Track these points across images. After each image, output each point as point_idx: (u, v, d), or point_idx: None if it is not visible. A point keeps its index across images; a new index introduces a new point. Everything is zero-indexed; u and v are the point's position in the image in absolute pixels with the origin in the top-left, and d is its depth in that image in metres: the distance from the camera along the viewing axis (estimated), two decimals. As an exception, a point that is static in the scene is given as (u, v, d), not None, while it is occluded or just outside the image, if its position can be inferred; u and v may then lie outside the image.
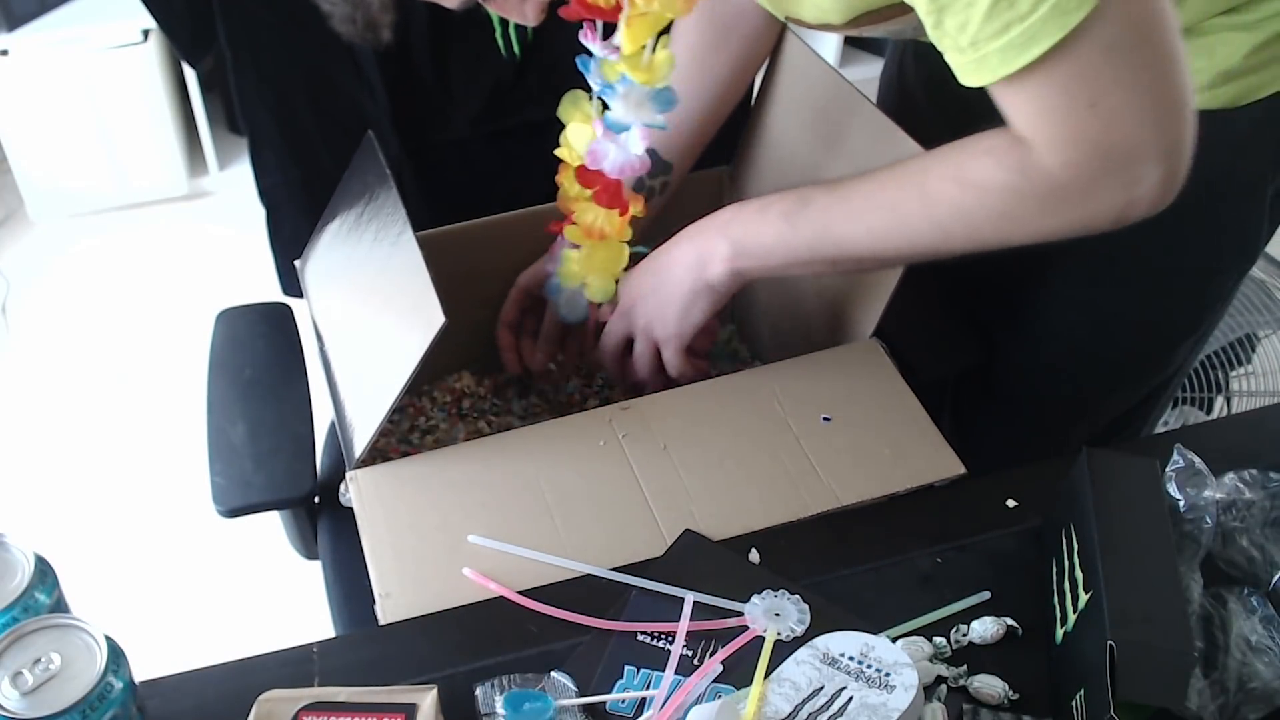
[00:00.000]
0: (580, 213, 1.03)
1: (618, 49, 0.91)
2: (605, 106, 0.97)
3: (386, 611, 0.84)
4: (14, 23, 2.30)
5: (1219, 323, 1.18)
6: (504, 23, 1.20)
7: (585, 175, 1.00)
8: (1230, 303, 1.18)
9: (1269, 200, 1.05)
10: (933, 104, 1.12)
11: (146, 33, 2.37)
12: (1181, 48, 0.76)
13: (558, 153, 1.03)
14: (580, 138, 1.00)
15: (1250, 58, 0.94)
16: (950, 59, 0.78)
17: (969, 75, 0.77)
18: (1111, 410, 1.20)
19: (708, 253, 0.95)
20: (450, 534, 0.88)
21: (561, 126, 1.02)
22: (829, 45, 2.73)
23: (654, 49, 0.92)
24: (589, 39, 0.92)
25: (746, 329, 1.28)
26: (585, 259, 1.05)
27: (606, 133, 0.97)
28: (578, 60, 0.94)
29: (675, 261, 0.98)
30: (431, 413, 1.20)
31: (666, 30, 0.91)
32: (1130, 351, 1.14)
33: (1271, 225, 1.09)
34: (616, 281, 1.05)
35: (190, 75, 2.42)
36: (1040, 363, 1.16)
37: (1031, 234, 0.85)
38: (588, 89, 0.97)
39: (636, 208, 1.01)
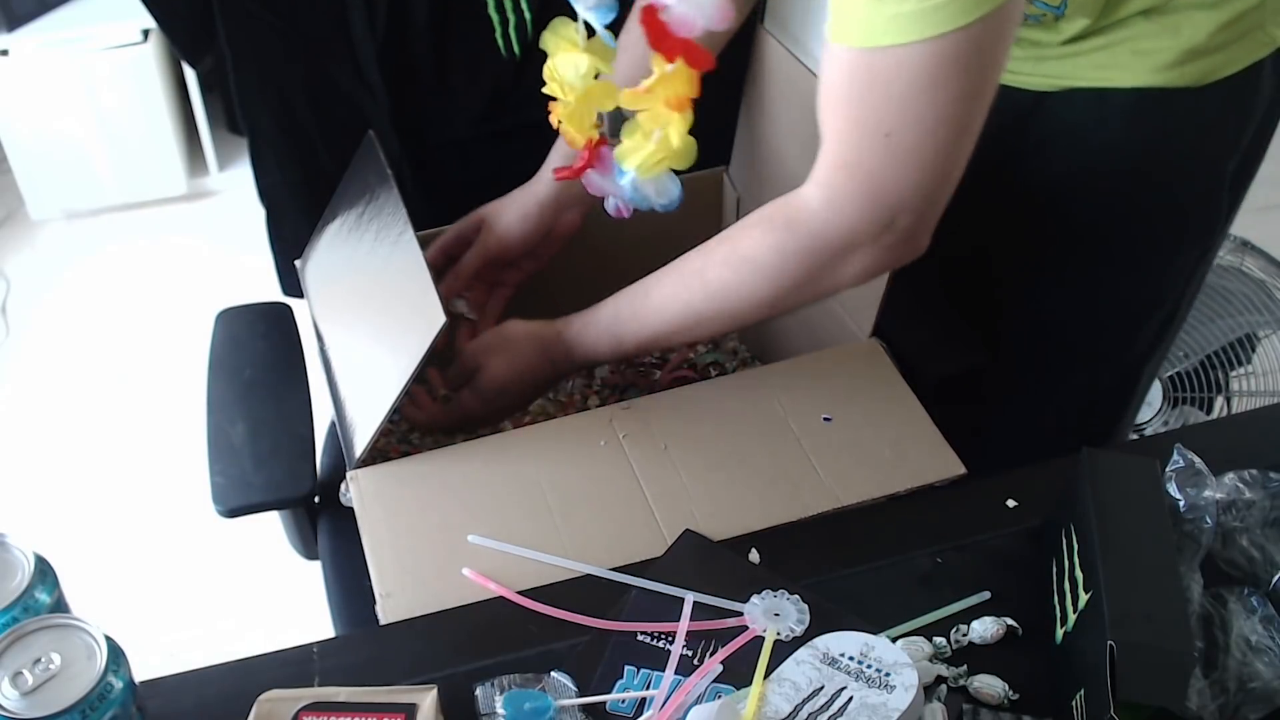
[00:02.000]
0: (650, 92, 0.94)
1: None
2: (591, 32, 0.93)
3: (387, 611, 0.84)
4: (14, 23, 2.30)
5: (1190, 306, 1.19)
6: (504, 23, 1.20)
7: (669, 44, 0.91)
8: (1198, 285, 1.19)
9: (1228, 178, 1.06)
10: None
11: (146, 33, 2.37)
12: (983, 117, 0.78)
13: (547, 89, 0.98)
14: (570, 67, 0.96)
15: (1215, 36, 0.95)
16: (844, 9, 0.76)
17: (856, 31, 0.76)
18: (1086, 391, 1.21)
19: (559, 366, 1.03)
20: (450, 534, 0.88)
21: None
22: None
23: None
24: None
25: (746, 329, 1.28)
26: (662, 140, 0.95)
27: None
28: None
29: (530, 347, 1.03)
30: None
31: None
32: (1097, 330, 1.15)
33: (1231, 203, 1.10)
34: (597, 119, 1.00)
35: (190, 75, 2.42)
36: (1026, 350, 1.17)
37: (803, 292, 0.90)
38: (571, 15, 0.93)
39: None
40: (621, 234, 1.15)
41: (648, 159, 0.96)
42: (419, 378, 1.16)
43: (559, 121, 1.00)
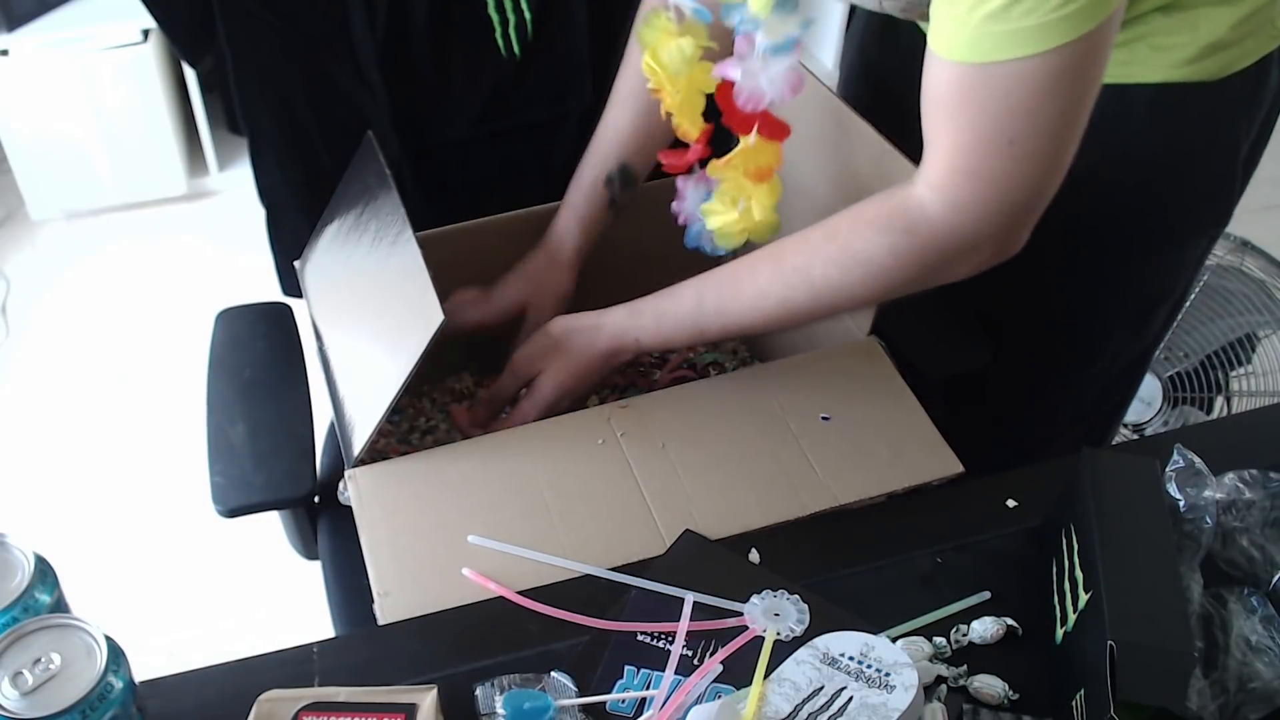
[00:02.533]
0: (731, 164, 0.98)
1: None
2: (681, 16, 0.94)
3: (385, 611, 0.84)
4: (14, 23, 2.30)
5: (1192, 293, 1.20)
6: (504, 23, 1.20)
7: (741, 120, 0.95)
8: (1200, 270, 1.21)
9: (1242, 163, 1.08)
10: (900, 83, 1.13)
11: (146, 33, 2.37)
12: (1088, 117, 0.80)
13: (651, 85, 0.98)
14: (675, 53, 0.96)
15: (1234, 30, 0.96)
16: (951, 27, 0.78)
17: (966, 47, 0.77)
18: (1096, 383, 1.21)
19: (621, 358, 1.01)
20: (449, 533, 0.88)
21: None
22: (828, 46, 2.73)
23: None
24: None
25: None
26: (745, 212, 1.00)
27: (751, 61, 0.92)
28: None
29: (591, 346, 1.00)
30: (431, 413, 1.20)
31: None
32: (1110, 322, 1.15)
33: (1242, 186, 1.11)
34: (606, 180, 1.04)
35: (190, 75, 2.42)
36: (1034, 344, 1.17)
37: (908, 289, 0.91)
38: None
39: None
40: (621, 232, 1.16)
41: (729, 226, 1.00)
42: (460, 395, 1.16)
43: (668, 115, 0.99)
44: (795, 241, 0.93)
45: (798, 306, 0.93)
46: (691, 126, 0.99)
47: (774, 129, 0.96)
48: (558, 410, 1.01)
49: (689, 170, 1.02)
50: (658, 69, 0.96)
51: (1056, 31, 0.74)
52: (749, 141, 0.95)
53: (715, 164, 0.98)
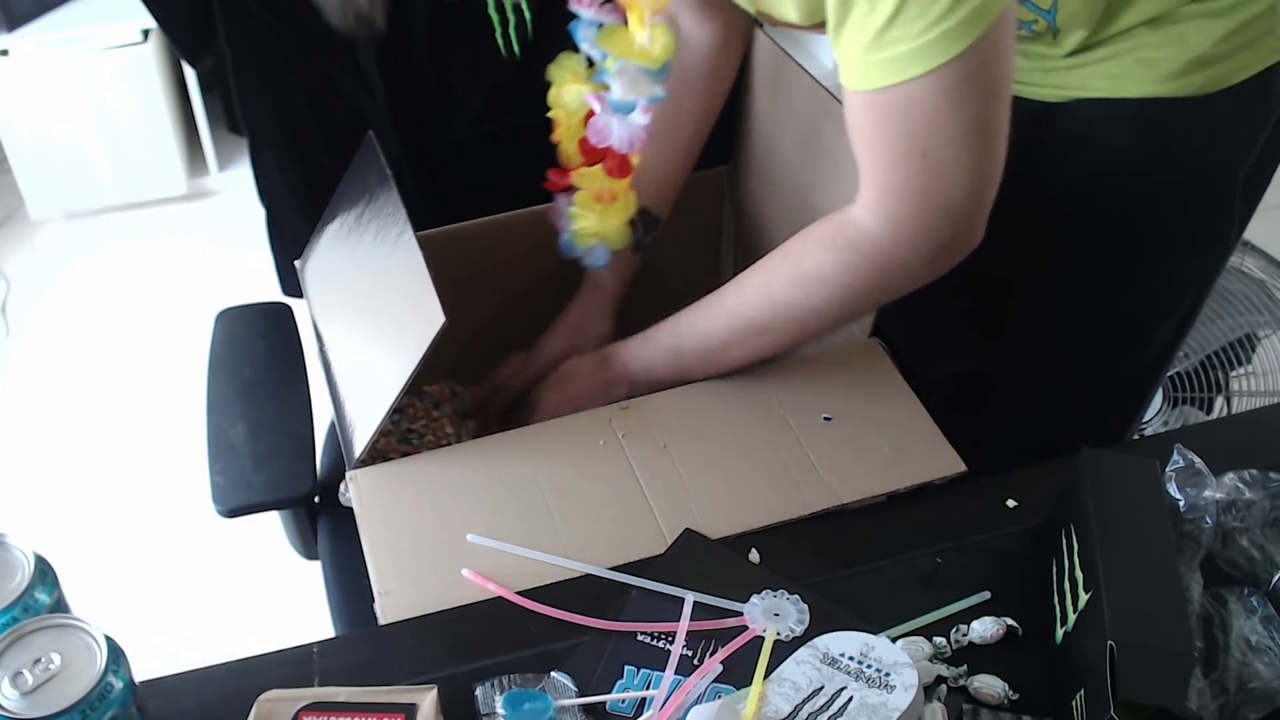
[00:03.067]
0: (586, 180, 1.08)
1: (609, 9, 0.96)
2: (590, 64, 1.02)
3: (386, 611, 0.84)
4: (14, 23, 2.30)
5: (1201, 308, 1.20)
6: (504, 23, 1.20)
7: (590, 151, 1.05)
8: (1210, 288, 1.20)
9: (1240, 184, 1.07)
10: None
11: (146, 33, 2.37)
12: (1007, 112, 0.82)
13: (551, 114, 1.08)
14: (573, 99, 1.05)
15: (1221, 44, 0.95)
16: (842, 59, 0.81)
17: (857, 77, 0.80)
18: (1095, 395, 1.21)
19: (614, 388, 1.04)
20: (450, 533, 0.88)
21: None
22: (828, 46, 2.72)
23: (650, 29, 0.95)
24: (580, 3, 0.98)
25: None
26: (600, 220, 1.11)
27: (606, 109, 1.01)
28: (570, 26, 1.00)
29: (588, 388, 1.04)
30: (431, 413, 1.20)
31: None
32: (1105, 336, 1.15)
33: (1244, 209, 1.11)
34: (630, 223, 1.12)
35: (190, 75, 2.42)
36: (1034, 356, 1.17)
37: (872, 302, 0.96)
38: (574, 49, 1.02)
39: (635, 160, 1.08)
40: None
41: (584, 229, 1.11)
42: (469, 413, 1.18)
43: (559, 141, 1.10)
44: (757, 268, 0.96)
45: (764, 327, 0.96)
46: (574, 154, 1.09)
47: (619, 168, 1.07)
48: None
49: (568, 189, 1.11)
50: (558, 105, 1.07)
51: (935, 51, 0.75)
52: (594, 170, 1.07)
53: (577, 172, 1.08)
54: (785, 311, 0.94)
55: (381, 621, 0.83)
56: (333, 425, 1.00)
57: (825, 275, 0.91)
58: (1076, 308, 1.13)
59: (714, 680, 0.79)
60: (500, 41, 1.21)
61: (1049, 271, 1.11)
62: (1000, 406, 1.20)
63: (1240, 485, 0.88)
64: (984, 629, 0.82)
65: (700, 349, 0.99)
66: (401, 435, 1.16)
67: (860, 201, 0.87)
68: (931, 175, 0.82)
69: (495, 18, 1.19)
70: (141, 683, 0.75)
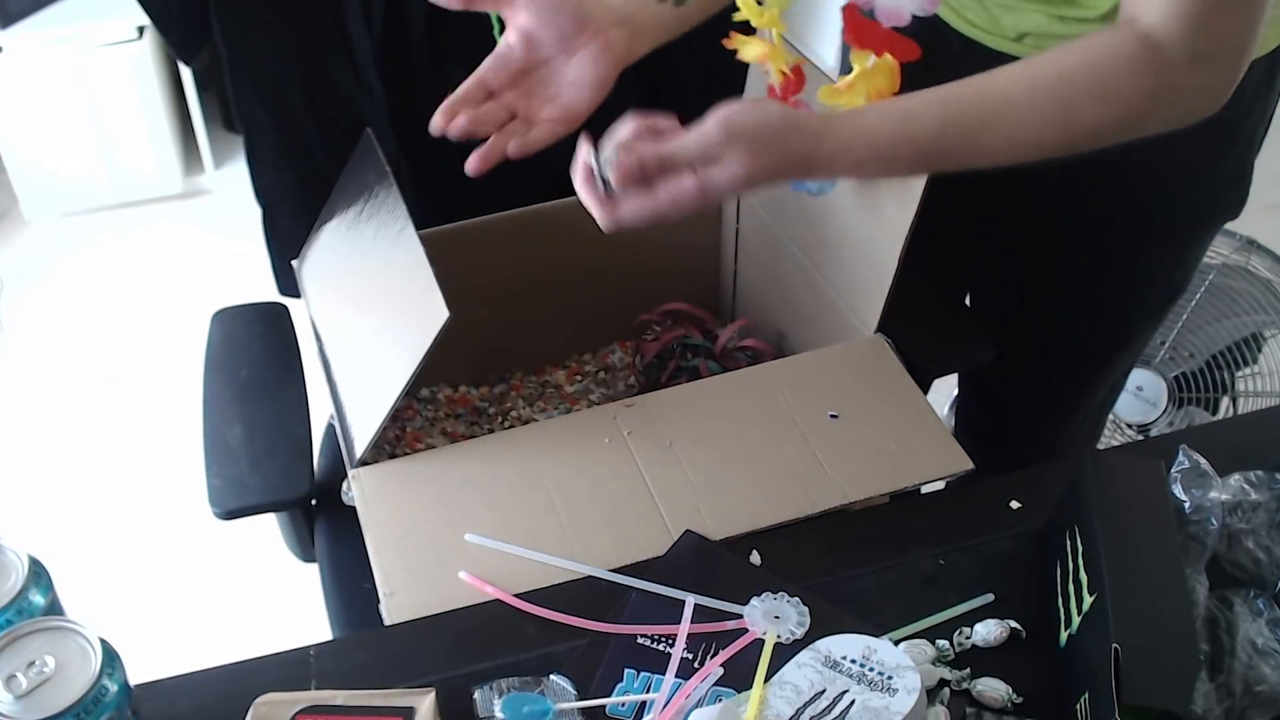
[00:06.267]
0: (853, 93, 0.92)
1: None
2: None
3: (391, 611, 0.83)
4: (8, 20, 2.29)
5: (1197, 292, 1.21)
6: (503, 22, 1.19)
7: (868, 33, 0.90)
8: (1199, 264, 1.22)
9: (1257, 145, 1.08)
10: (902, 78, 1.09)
11: (141, 30, 2.36)
12: None
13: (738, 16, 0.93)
14: None
15: None
16: None
17: None
18: (1108, 379, 1.21)
19: (838, 166, 0.86)
20: (455, 532, 0.87)
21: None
22: (828, 45, 2.73)
23: None
24: None
25: (752, 326, 1.27)
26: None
27: None
28: None
29: (779, 174, 0.84)
30: (432, 414, 1.20)
31: None
32: (1132, 313, 1.15)
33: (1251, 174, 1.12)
34: None
35: (186, 73, 2.41)
36: (1053, 337, 1.16)
37: (1130, 137, 0.85)
38: None
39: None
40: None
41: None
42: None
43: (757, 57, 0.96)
44: (1048, 67, 0.85)
45: (1050, 144, 0.85)
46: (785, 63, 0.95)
47: (904, 48, 0.90)
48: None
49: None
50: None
51: None
52: (868, 64, 0.90)
53: (829, 89, 0.92)
54: (1077, 126, 0.84)
55: (387, 622, 0.83)
56: (330, 426, 1.00)
57: (1130, 100, 0.83)
58: (1099, 290, 1.13)
59: (714, 683, 0.78)
60: (499, 39, 1.20)
61: (1072, 251, 1.11)
62: (1018, 405, 1.20)
63: (1246, 486, 0.88)
64: (987, 631, 0.82)
65: (967, 157, 0.86)
66: (399, 433, 1.16)
67: (1163, 31, 0.81)
68: (1229, 12, 0.80)
69: (495, 17, 1.18)
70: (137, 686, 0.74)
